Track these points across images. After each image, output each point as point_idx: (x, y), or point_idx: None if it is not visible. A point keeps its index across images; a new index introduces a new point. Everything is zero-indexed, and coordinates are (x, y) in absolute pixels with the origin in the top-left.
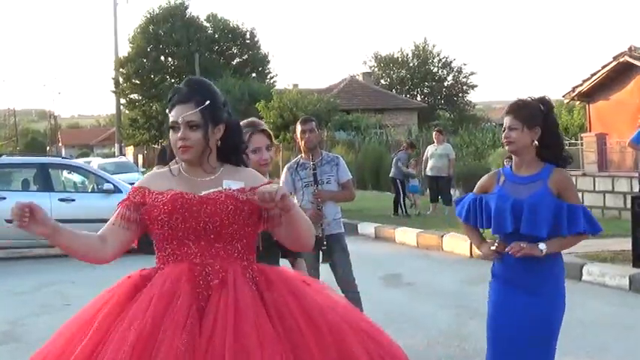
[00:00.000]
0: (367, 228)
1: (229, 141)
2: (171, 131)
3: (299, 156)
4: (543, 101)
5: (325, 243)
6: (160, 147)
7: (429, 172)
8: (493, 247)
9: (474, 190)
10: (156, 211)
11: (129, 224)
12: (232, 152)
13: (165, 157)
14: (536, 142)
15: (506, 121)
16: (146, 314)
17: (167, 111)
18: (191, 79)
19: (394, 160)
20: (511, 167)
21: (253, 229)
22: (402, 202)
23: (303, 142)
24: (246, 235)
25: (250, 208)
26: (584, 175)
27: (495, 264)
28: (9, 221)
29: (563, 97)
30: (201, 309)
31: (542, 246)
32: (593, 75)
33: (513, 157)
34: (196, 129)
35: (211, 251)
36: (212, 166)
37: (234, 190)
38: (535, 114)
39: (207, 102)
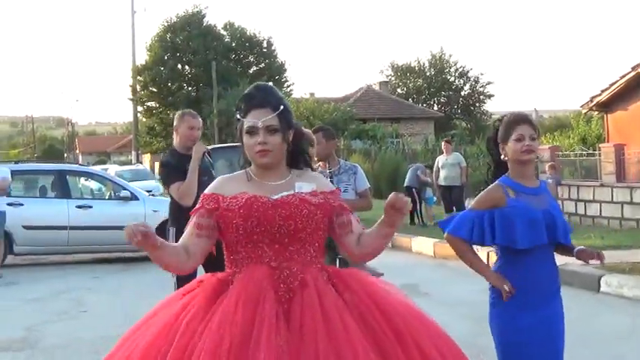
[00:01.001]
0: None
1: (297, 145)
2: (246, 136)
3: (317, 164)
4: None
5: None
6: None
7: (442, 182)
8: (507, 287)
9: (478, 206)
10: (230, 215)
11: (205, 232)
12: (300, 156)
13: (168, 166)
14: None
15: (526, 129)
16: (235, 319)
17: (238, 116)
18: (260, 84)
19: (410, 169)
20: (509, 178)
21: (324, 233)
22: (418, 212)
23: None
24: (318, 238)
25: (323, 212)
26: (602, 185)
27: (498, 293)
28: (26, 227)
29: (582, 107)
30: (286, 312)
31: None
32: (611, 85)
33: (517, 167)
34: (275, 133)
35: (285, 254)
36: (284, 170)
37: (306, 194)
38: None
39: (282, 107)
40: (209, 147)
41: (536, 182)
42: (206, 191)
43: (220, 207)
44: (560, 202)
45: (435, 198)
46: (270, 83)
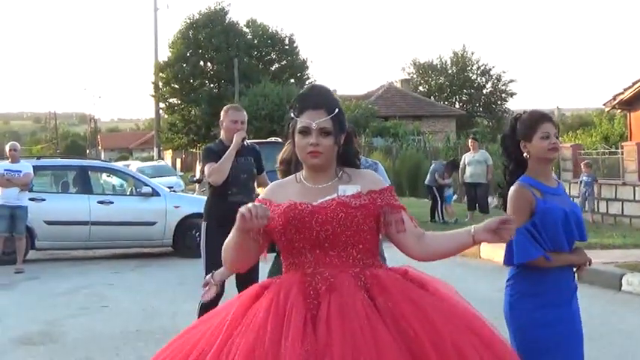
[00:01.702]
0: None
1: (348, 148)
2: (299, 136)
3: None
4: None
5: None
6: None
7: (467, 180)
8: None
9: (520, 220)
10: (273, 224)
11: (255, 235)
12: (350, 159)
13: (209, 150)
14: None
15: (551, 127)
16: (265, 325)
17: (292, 115)
18: (316, 86)
19: (431, 168)
20: (531, 178)
21: (371, 233)
22: (439, 209)
23: None
24: (361, 240)
25: (365, 212)
26: (624, 184)
27: (518, 277)
28: (48, 223)
29: (604, 105)
30: (314, 317)
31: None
32: (634, 83)
33: (539, 165)
34: (328, 135)
35: (325, 259)
36: (332, 172)
37: (348, 196)
38: None
39: (337, 110)
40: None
41: (554, 182)
42: (260, 196)
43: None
44: (594, 201)
45: (454, 196)
46: (325, 85)
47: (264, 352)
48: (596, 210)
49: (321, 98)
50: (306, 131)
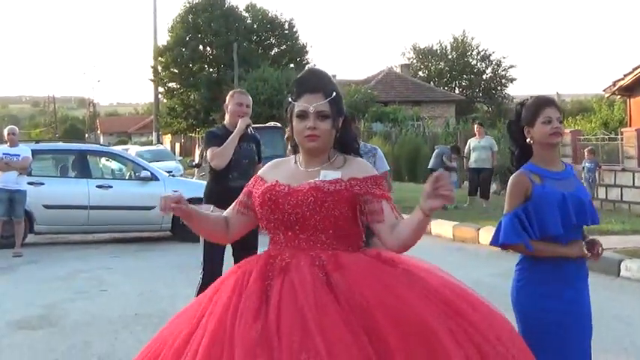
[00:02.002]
0: None
1: (346, 132)
2: (296, 119)
3: None
4: None
5: None
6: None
7: (472, 165)
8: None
9: (510, 205)
10: (255, 202)
11: (243, 209)
12: (349, 143)
13: (211, 133)
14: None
15: (553, 112)
16: (229, 303)
17: (290, 99)
18: (314, 69)
19: (435, 152)
20: (533, 164)
21: (344, 219)
22: None
23: None
24: (332, 226)
25: (337, 198)
26: (623, 170)
27: (527, 263)
28: (47, 207)
29: (604, 91)
30: (268, 299)
31: None
32: (634, 69)
33: (542, 151)
34: (325, 119)
35: (295, 242)
36: (326, 156)
37: (324, 181)
38: None
39: (334, 93)
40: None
41: (561, 166)
42: (261, 174)
43: (253, 192)
44: (596, 187)
45: (457, 182)
46: (324, 69)
47: (226, 334)
48: (595, 196)
49: (318, 82)
50: (303, 115)
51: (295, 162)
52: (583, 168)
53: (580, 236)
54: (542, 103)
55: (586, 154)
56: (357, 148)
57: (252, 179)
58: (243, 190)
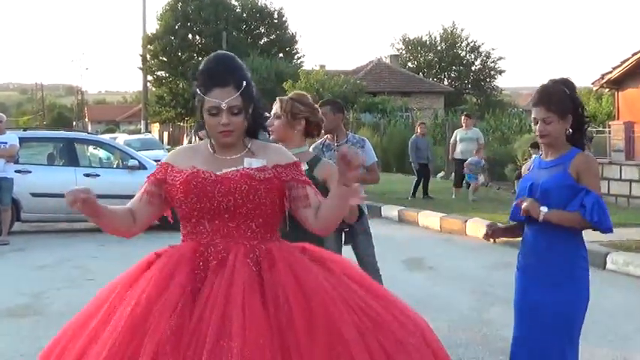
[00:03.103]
0: (391, 211)
1: (256, 116)
2: (208, 114)
3: (325, 137)
4: (567, 83)
5: (348, 225)
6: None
7: (458, 156)
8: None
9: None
10: (174, 190)
11: (152, 199)
12: (259, 127)
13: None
14: (569, 130)
15: (539, 112)
16: (142, 297)
17: (199, 92)
18: (220, 58)
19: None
20: (539, 155)
21: (272, 207)
22: (425, 186)
23: None
24: (262, 214)
25: (268, 186)
26: (610, 163)
27: (519, 253)
28: (34, 195)
29: (592, 84)
30: (197, 290)
31: (543, 209)
32: (623, 62)
33: (542, 146)
34: (239, 114)
35: (224, 230)
36: (242, 144)
37: (253, 169)
38: (566, 101)
39: (245, 83)
40: None
41: (559, 154)
42: (162, 159)
43: (167, 180)
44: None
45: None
46: (229, 54)
47: (141, 325)
48: None
49: (228, 73)
50: (215, 111)
51: (209, 148)
52: None
53: (542, 224)
54: (533, 101)
55: None
56: (266, 129)
57: (157, 167)
58: (150, 179)
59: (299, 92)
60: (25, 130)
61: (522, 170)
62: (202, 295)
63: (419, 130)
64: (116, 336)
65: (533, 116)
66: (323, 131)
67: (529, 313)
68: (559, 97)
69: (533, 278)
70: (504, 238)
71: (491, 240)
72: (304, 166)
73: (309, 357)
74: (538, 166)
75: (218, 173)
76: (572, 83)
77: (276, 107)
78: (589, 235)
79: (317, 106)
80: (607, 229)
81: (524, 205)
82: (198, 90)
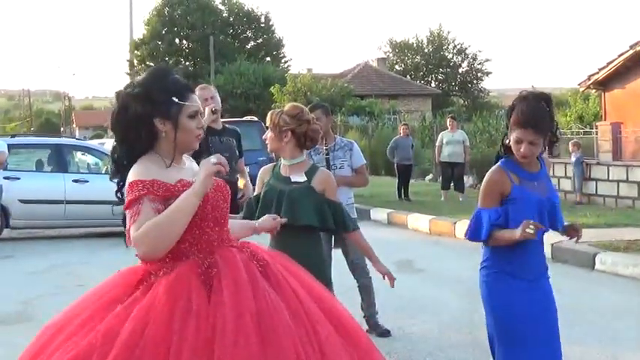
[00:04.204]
0: (380, 214)
1: None
2: (188, 119)
3: None
4: (546, 99)
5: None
6: None
7: (445, 159)
8: (531, 227)
9: (485, 201)
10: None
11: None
12: None
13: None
14: (545, 147)
15: (526, 134)
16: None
17: (176, 99)
18: (180, 68)
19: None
20: (513, 162)
21: None
22: (401, 188)
23: None
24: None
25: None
26: (598, 164)
27: (494, 259)
28: (23, 201)
29: (579, 85)
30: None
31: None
32: (609, 63)
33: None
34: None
35: (223, 236)
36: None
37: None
38: (548, 121)
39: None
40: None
41: (537, 166)
42: (142, 178)
43: (174, 195)
44: (574, 181)
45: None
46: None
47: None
48: (571, 189)
49: (187, 82)
50: (195, 115)
51: (168, 164)
52: (574, 161)
53: (541, 237)
54: (518, 121)
55: (571, 147)
56: None
57: (145, 184)
58: (150, 198)
59: (294, 104)
60: (13, 136)
61: (502, 185)
62: (216, 299)
63: (401, 131)
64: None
65: (517, 136)
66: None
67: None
68: (544, 118)
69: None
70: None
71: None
72: (302, 177)
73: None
74: (525, 177)
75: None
76: (550, 97)
77: (267, 120)
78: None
79: (308, 118)
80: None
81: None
82: (174, 99)
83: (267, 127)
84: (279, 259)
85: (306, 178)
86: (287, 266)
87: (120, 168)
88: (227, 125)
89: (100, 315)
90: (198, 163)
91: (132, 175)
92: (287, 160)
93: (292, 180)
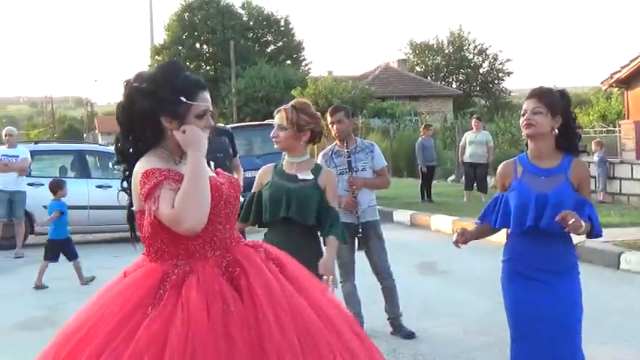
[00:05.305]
0: (402, 215)
1: None
2: (196, 119)
3: (334, 143)
4: (563, 94)
5: (360, 230)
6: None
7: (467, 159)
8: (457, 233)
9: (498, 186)
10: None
11: None
12: None
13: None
14: (556, 131)
15: (529, 103)
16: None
17: (183, 99)
18: (181, 66)
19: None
20: (527, 155)
21: None
22: (424, 189)
23: (334, 131)
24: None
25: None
26: (621, 162)
27: (509, 256)
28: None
29: (602, 83)
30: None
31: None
32: (632, 61)
33: (530, 144)
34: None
35: (232, 236)
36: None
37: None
38: (558, 102)
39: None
40: (228, 126)
41: (555, 162)
42: (157, 165)
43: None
44: (598, 180)
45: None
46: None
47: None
48: (593, 189)
49: (199, 78)
50: (204, 114)
51: (177, 160)
52: (598, 161)
53: (544, 235)
54: (527, 95)
55: (594, 146)
56: None
57: (163, 172)
58: (168, 182)
59: (301, 101)
60: (36, 143)
61: (504, 177)
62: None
63: (424, 133)
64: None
65: (523, 108)
66: (339, 137)
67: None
68: (551, 94)
69: (533, 280)
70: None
71: (460, 245)
72: (309, 175)
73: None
74: (530, 170)
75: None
76: (569, 96)
77: (280, 118)
78: (604, 236)
79: (319, 115)
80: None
81: (572, 221)
82: (181, 98)
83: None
84: (287, 258)
85: (313, 176)
86: (294, 265)
87: (125, 157)
88: (219, 125)
89: (128, 321)
90: None
91: (145, 166)
92: (295, 158)
93: (300, 178)
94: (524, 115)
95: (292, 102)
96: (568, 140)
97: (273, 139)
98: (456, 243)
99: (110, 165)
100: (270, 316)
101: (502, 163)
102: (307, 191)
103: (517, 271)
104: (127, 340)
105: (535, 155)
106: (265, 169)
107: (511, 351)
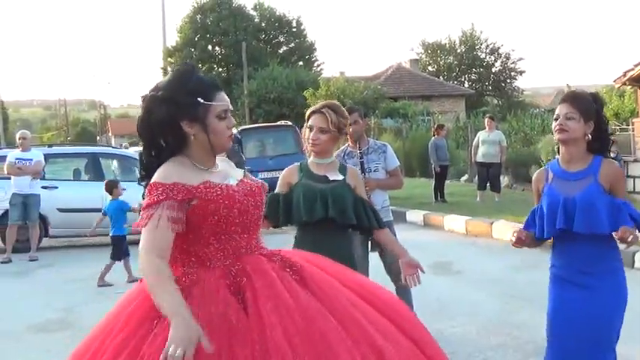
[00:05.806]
0: (416, 215)
1: None
2: (216, 120)
3: (346, 144)
4: (596, 97)
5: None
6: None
7: (480, 159)
8: (514, 235)
9: (535, 197)
10: (212, 207)
11: (178, 226)
12: None
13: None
14: (589, 136)
15: (563, 108)
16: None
17: (201, 100)
18: (187, 67)
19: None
20: (558, 162)
21: None
22: (437, 189)
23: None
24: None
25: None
26: (635, 160)
27: (552, 262)
28: (61, 210)
29: (614, 81)
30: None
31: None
32: None
33: (561, 149)
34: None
35: (252, 243)
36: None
37: (252, 180)
38: (591, 107)
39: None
40: (240, 127)
41: (585, 164)
42: (162, 180)
43: (196, 197)
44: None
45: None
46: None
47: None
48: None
49: (214, 79)
50: (225, 115)
51: (199, 166)
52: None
53: (580, 238)
54: (560, 100)
55: None
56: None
57: (165, 190)
58: (168, 204)
59: (334, 102)
60: (50, 146)
61: (537, 183)
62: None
63: (437, 133)
64: None
65: (556, 114)
66: (353, 138)
67: (569, 326)
68: (586, 102)
69: (575, 285)
70: None
71: (520, 246)
72: (339, 176)
73: None
74: (560, 175)
75: (233, 185)
76: (602, 100)
77: (320, 121)
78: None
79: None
80: None
81: (630, 238)
82: (199, 100)
83: (308, 128)
84: (314, 260)
85: (342, 176)
86: (324, 267)
87: (149, 173)
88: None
89: (134, 334)
90: None
91: (156, 176)
92: (324, 160)
93: (331, 178)
94: (556, 119)
95: (324, 103)
96: (601, 145)
97: (312, 142)
98: (517, 244)
99: (116, 166)
100: (278, 330)
101: (536, 171)
102: (341, 191)
103: (558, 275)
104: (132, 356)
105: (566, 160)
106: (291, 170)
107: (545, 351)
